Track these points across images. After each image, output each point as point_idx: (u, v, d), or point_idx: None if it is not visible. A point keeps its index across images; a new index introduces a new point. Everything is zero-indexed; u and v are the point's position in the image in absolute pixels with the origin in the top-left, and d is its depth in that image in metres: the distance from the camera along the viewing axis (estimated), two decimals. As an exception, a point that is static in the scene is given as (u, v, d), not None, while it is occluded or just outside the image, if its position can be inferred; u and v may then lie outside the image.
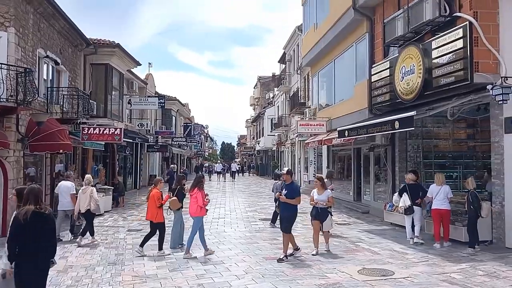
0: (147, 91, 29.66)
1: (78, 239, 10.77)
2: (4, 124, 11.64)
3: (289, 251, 8.99)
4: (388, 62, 13.17)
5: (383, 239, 10.95)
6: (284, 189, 9.11)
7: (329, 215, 9.51)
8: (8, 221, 11.90)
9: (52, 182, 15.09)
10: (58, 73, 16.27)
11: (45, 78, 14.97)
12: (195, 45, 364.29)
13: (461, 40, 9.71)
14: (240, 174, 54.23)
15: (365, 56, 15.34)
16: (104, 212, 16.57)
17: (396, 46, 13.12)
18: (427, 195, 10.31)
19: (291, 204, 8.91)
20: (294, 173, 31.63)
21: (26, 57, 12.71)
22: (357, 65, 16.00)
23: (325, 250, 9.43)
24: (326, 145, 20.08)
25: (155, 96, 28.72)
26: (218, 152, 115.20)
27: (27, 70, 11.42)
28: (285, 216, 9.03)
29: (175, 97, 37.78)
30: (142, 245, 9.70)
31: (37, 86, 13.46)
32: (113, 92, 20.57)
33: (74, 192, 11.12)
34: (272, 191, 13.69)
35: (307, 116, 20.77)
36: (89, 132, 15.30)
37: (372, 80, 14.11)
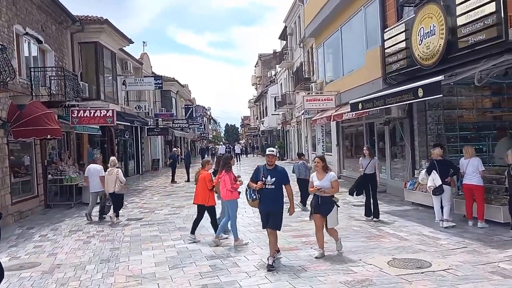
0: (143, 71, 28.38)
1: (113, 219, 11.17)
2: (-20, 109, 10.46)
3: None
4: (404, 24, 11.85)
5: (408, 222, 9.82)
6: (268, 176, 6.88)
7: (334, 206, 7.18)
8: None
9: (44, 170, 13.99)
10: (43, 53, 15.01)
11: (27, 57, 13.73)
12: (194, 26, 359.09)
13: (492, -9, 8.38)
14: (244, 156, 52.84)
15: (376, 20, 13.99)
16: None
17: (411, 6, 11.81)
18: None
19: (279, 195, 6.90)
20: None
21: (1, 34, 11.45)
22: (367, 31, 14.65)
23: (337, 251, 7.37)
24: (335, 121, 18.88)
25: (151, 76, 27.42)
26: (222, 134, 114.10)
27: (1, 47, 10.16)
28: (275, 211, 6.86)
29: (173, 78, 36.37)
30: (192, 232, 8.99)
31: (16, 65, 12.29)
32: (105, 73, 19.33)
33: (103, 174, 11.45)
34: (293, 172, 12.38)
35: (313, 91, 19.48)
36: (79, 115, 14.09)
37: (385, 47, 12.83)
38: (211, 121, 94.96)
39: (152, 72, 31.56)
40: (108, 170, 11.26)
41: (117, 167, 11.20)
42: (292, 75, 33.14)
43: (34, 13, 13.88)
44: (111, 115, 14.20)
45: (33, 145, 13.33)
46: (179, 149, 35.11)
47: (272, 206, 6.88)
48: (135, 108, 26.29)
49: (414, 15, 11.34)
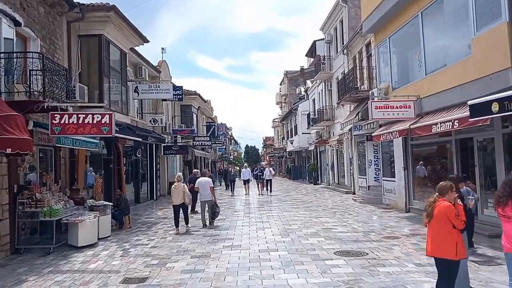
0: (161, 81, 24.44)
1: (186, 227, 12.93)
2: None
3: None
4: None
5: None
6: None
7: None
8: None
9: (12, 200, 9.85)
10: (24, 40, 11.08)
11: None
12: (213, 51, 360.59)
13: None
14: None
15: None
16: (98, 240, 11.33)
17: None
18: None
19: None
20: (344, 177, 26.07)
21: None
22: (476, 7, 10.19)
23: None
24: (401, 138, 14.50)
25: (169, 82, 23.44)
26: (242, 156, 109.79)
27: None
28: None
29: (195, 91, 32.45)
30: None
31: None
32: (111, 76, 15.36)
33: (212, 185, 13.76)
34: None
35: (375, 98, 15.08)
36: (62, 121, 9.83)
37: (517, 22, 8.48)
38: (232, 141, 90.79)
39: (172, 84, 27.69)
40: (174, 185, 12.88)
41: (182, 183, 12.94)
42: (330, 89, 28.95)
43: (6, -19, 9.98)
44: (107, 122, 9.90)
45: (-5, 163, 9.23)
46: (199, 170, 30.82)
47: None
48: (150, 121, 22.24)
49: None
